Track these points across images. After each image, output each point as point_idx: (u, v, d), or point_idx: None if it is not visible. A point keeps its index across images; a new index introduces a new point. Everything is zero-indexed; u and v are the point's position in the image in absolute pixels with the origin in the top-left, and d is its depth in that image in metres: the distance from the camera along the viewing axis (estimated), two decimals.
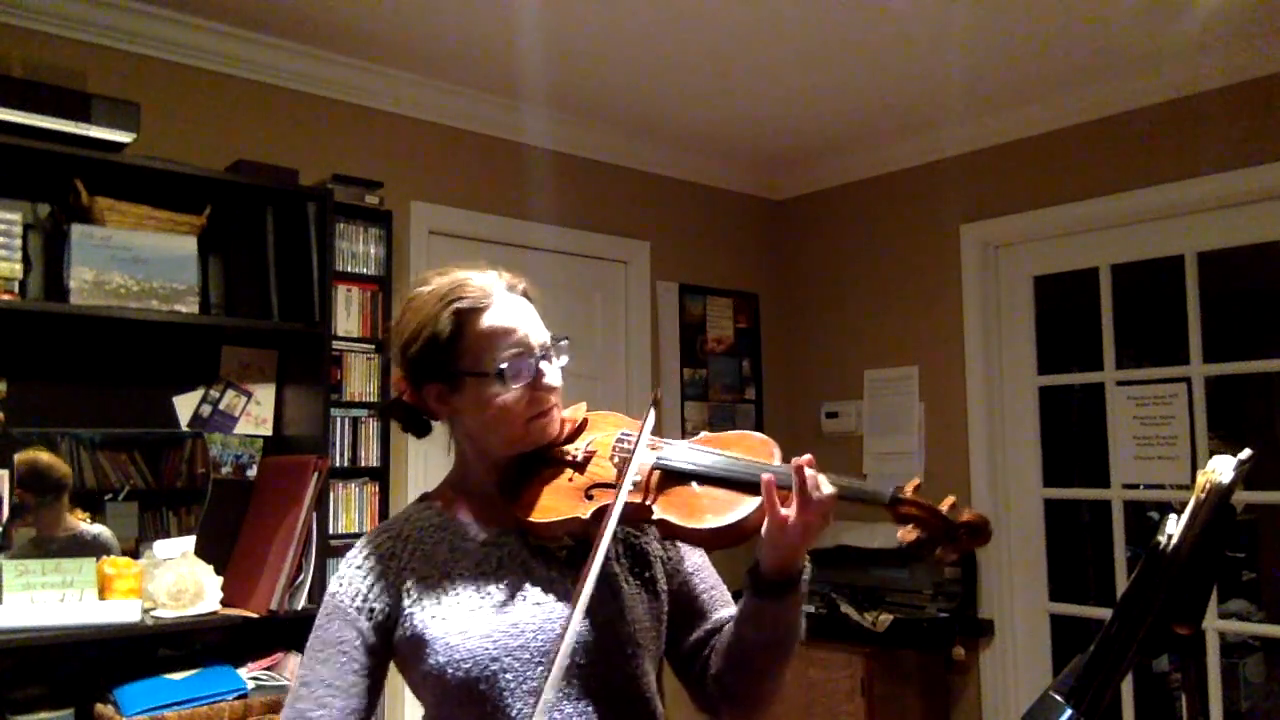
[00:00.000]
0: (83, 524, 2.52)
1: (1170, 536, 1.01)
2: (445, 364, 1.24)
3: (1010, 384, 3.74)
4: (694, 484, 1.20)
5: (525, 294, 1.31)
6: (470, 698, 1.17)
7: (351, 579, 1.25)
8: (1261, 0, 2.79)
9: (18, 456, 2.43)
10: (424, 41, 3.02)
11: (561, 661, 1.08)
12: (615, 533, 1.17)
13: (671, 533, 1.21)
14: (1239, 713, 3.84)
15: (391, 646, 1.23)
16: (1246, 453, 1.00)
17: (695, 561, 1.37)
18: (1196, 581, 1.01)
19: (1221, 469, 1.00)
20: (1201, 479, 1.00)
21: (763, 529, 1.16)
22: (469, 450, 1.31)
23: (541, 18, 2.84)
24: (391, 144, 3.29)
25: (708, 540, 1.20)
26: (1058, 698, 1.02)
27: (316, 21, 2.87)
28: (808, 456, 1.15)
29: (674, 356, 4.08)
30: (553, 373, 1.26)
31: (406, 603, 1.22)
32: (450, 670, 1.17)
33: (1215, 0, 2.76)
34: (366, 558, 1.26)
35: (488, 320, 1.24)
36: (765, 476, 1.14)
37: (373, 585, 1.23)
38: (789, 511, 1.12)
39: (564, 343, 1.29)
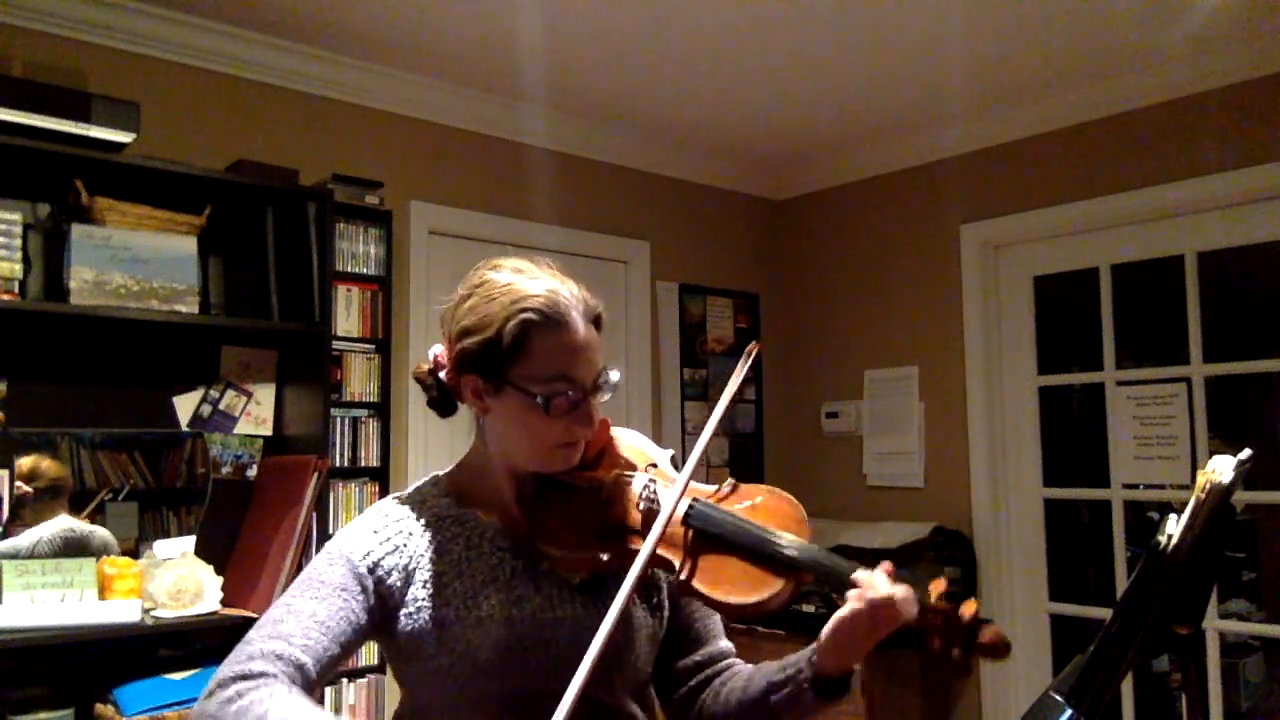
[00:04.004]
0: (79, 524, 2.52)
1: (1170, 536, 1.01)
2: (495, 366, 1.19)
3: (1010, 384, 3.74)
4: (724, 552, 1.18)
5: (598, 320, 1.26)
6: (469, 703, 1.17)
7: (365, 541, 1.21)
8: (1261, 0, 2.79)
9: (19, 461, 2.44)
10: (424, 41, 3.02)
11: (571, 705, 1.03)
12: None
13: (692, 594, 1.19)
14: (1239, 713, 3.83)
15: (391, 629, 1.19)
16: (1246, 453, 1.00)
17: None
18: (1196, 581, 1.01)
19: (1221, 469, 0.99)
20: (1201, 479, 1.00)
21: (833, 625, 1.14)
22: (491, 450, 1.27)
23: (541, 18, 2.84)
24: (391, 144, 3.29)
25: (728, 612, 1.19)
26: (1058, 698, 1.02)
27: (316, 21, 2.87)
28: (887, 564, 1.15)
29: (674, 356, 4.08)
30: (594, 409, 1.23)
31: (417, 592, 1.19)
32: (457, 671, 1.16)
33: (1215, 0, 2.76)
34: (385, 527, 1.23)
35: (552, 343, 1.19)
36: (874, 594, 1.11)
37: (386, 555, 1.20)
38: (871, 607, 1.11)
39: (614, 379, 1.25)
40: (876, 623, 1.11)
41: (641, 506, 1.22)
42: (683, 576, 1.17)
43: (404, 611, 1.18)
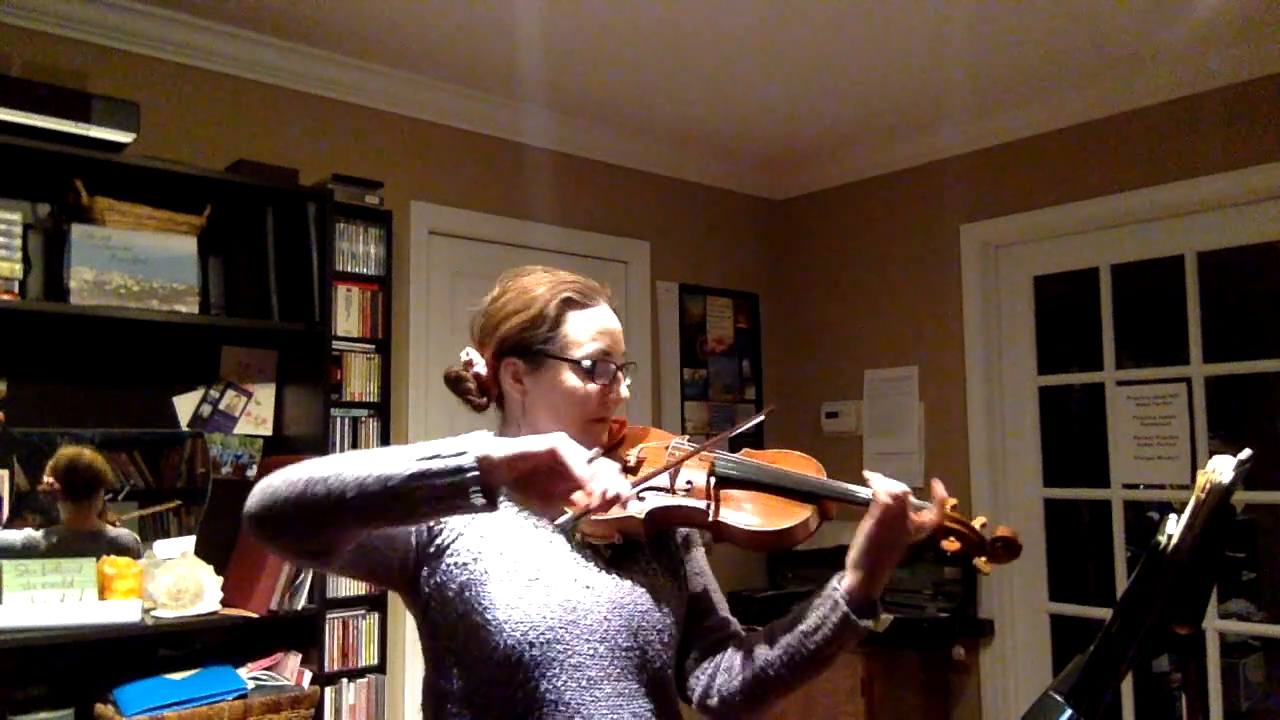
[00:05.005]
0: (108, 526, 2.53)
1: (1170, 536, 1.01)
2: (536, 343, 1.31)
3: (1010, 384, 3.74)
4: (749, 490, 1.30)
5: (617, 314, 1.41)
6: (517, 663, 1.20)
7: None
8: (1261, 0, 2.79)
9: (61, 451, 2.46)
10: (424, 41, 3.02)
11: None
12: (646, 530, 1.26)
13: (727, 535, 1.27)
14: (1239, 713, 3.84)
15: (434, 571, 1.25)
16: (1246, 453, 1.00)
17: (702, 564, 1.44)
18: (1196, 581, 1.01)
19: (1221, 469, 1.00)
20: (1201, 479, 1.00)
21: (862, 539, 1.24)
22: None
23: (541, 18, 2.84)
24: (391, 144, 3.29)
25: (761, 543, 1.28)
26: (1058, 698, 1.02)
27: (317, 21, 2.87)
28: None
29: (674, 356, 4.08)
30: (624, 386, 1.35)
31: (471, 543, 1.25)
32: (509, 629, 1.20)
33: (1215, 0, 2.76)
34: None
35: (589, 317, 1.33)
36: (899, 488, 1.25)
37: None
38: (900, 515, 1.24)
39: (632, 366, 1.40)
40: (904, 522, 1.23)
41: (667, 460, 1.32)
42: (711, 517, 1.27)
43: (455, 560, 1.24)
